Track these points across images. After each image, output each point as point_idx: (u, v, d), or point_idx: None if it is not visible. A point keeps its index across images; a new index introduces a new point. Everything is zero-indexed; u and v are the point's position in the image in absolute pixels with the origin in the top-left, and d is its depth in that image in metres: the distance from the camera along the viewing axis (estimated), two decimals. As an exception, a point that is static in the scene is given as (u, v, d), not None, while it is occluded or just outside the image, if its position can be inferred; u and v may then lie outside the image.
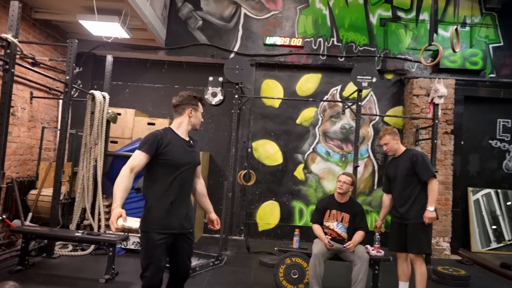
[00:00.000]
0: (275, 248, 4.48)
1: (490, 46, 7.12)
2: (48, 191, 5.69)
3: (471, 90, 7.02)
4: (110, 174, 6.00)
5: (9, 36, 3.73)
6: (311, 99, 7.10)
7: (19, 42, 3.88)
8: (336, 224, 4.25)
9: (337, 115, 7.29)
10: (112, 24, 5.72)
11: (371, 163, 7.21)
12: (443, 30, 7.03)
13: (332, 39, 7.19)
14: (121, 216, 2.38)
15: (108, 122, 5.87)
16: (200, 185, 3.00)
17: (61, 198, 5.21)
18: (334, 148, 7.27)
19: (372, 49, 7.15)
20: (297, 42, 7.14)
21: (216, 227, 3.01)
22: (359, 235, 4.14)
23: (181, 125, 2.75)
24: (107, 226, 5.74)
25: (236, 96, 6.12)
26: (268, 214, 7.17)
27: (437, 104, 6.01)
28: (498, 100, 7.09)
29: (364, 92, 6.88)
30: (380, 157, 7.22)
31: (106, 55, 6.54)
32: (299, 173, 7.24)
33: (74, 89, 6.32)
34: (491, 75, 7.05)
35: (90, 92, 5.70)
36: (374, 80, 5.91)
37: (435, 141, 5.99)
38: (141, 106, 7.34)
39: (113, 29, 5.87)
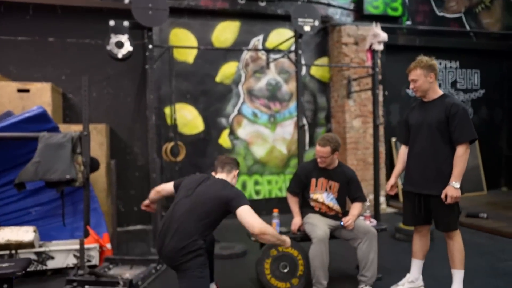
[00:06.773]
0: (252, 238, 3.39)
1: (405, -9, 6.97)
2: None
3: (391, 37, 6.76)
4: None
5: None
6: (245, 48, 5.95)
7: None
8: (326, 195, 3.40)
9: (261, 69, 6.33)
10: None
11: (301, 122, 6.52)
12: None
13: (250, -21, 6.09)
14: None
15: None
16: None
17: None
18: (261, 108, 6.34)
19: (295, -8, 6.30)
20: (210, -19, 5.84)
21: None
22: (357, 207, 3.35)
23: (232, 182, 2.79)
24: None
25: (150, 46, 4.61)
26: (194, 192, 5.95)
27: (376, 51, 5.52)
28: (414, 48, 7.03)
29: (287, 43, 6.00)
30: (310, 114, 6.58)
31: None
32: (224, 140, 6.15)
33: None
34: (408, 23, 6.94)
35: None
36: (317, 23, 5.08)
37: (377, 91, 5.51)
38: (-2, 67, 5.19)
39: None
